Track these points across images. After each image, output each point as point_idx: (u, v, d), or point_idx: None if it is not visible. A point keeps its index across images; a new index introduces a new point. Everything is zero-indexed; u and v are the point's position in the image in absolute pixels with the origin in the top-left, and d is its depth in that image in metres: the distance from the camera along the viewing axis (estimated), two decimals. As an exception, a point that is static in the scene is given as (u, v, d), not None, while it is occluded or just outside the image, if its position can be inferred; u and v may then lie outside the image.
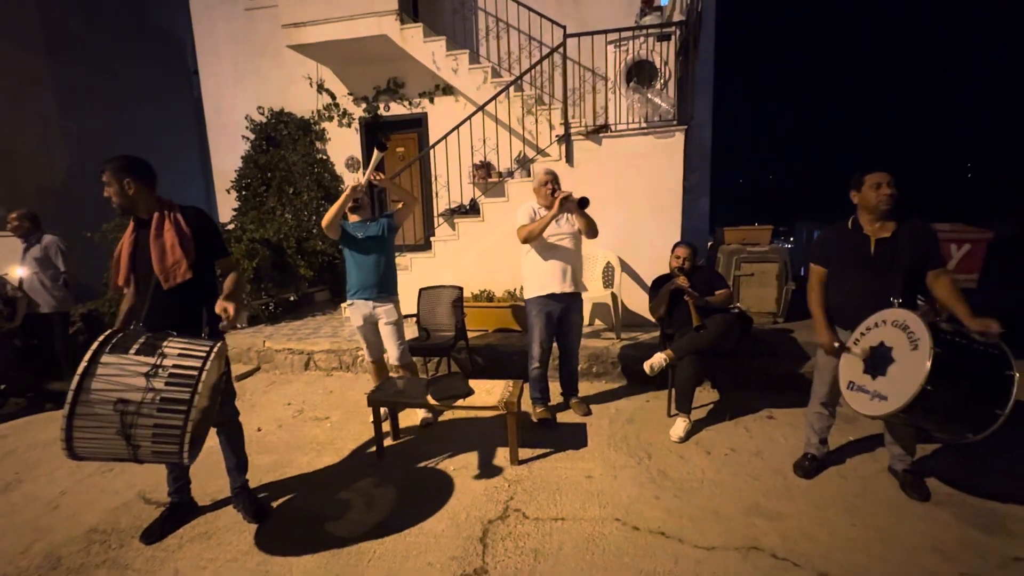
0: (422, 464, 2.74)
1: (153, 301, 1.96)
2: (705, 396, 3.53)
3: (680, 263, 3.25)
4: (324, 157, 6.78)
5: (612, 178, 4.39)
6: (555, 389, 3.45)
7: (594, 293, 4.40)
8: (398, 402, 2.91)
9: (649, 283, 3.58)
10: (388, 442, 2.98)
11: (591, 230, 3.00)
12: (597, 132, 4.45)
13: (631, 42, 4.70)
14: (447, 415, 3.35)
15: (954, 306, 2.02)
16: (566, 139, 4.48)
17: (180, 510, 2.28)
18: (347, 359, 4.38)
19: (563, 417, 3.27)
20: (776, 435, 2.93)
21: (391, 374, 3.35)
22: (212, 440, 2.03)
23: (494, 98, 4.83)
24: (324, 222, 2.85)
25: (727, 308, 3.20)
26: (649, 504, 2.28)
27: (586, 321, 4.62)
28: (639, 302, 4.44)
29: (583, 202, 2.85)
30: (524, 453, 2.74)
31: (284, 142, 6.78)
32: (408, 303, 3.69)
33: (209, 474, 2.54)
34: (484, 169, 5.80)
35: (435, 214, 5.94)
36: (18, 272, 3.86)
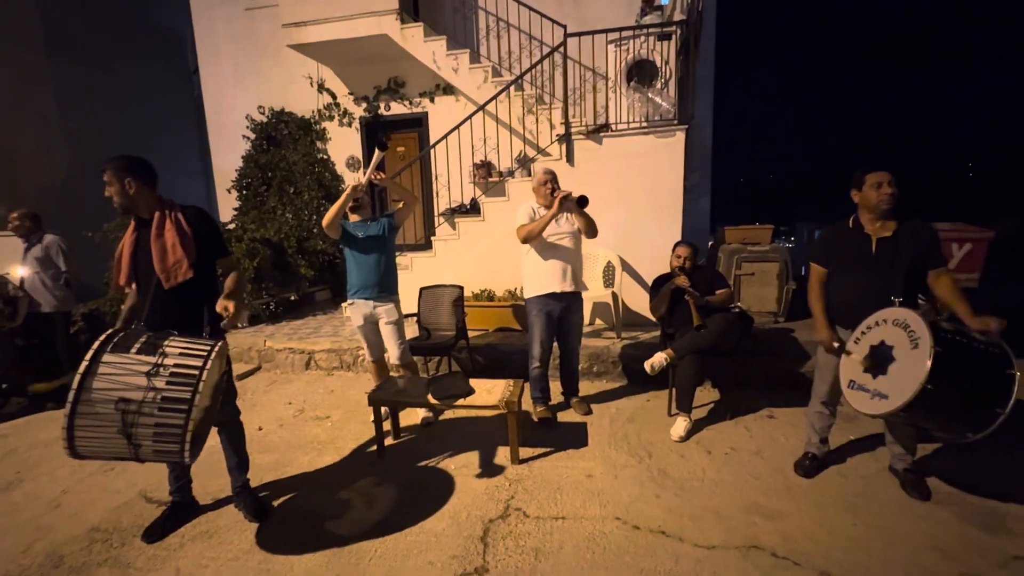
0: (423, 463, 2.75)
1: (154, 300, 1.97)
2: (706, 395, 3.53)
3: (681, 262, 3.25)
4: (325, 157, 6.78)
5: (613, 177, 4.39)
6: (556, 388, 3.45)
7: (595, 292, 4.40)
8: (399, 401, 2.91)
9: (650, 282, 3.58)
10: (389, 441, 2.98)
11: (591, 229, 3.00)
12: (598, 131, 4.45)
13: (632, 41, 4.70)
14: (448, 414, 3.36)
15: (955, 305, 2.02)
16: (567, 138, 4.48)
17: (181, 509, 2.28)
18: (348, 358, 4.39)
19: (564, 416, 3.27)
20: (776, 434, 2.93)
21: (392, 373, 3.35)
22: (213, 439, 2.03)
23: (494, 97, 4.83)
24: (325, 221, 2.85)
25: (728, 307, 3.20)
26: (650, 503, 2.28)
27: (587, 320, 4.62)
28: (640, 301, 4.44)
29: (582, 201, 2.84)
30: (525, 452, 2.74)
31: (285, 142, 6.78)
32: (409, 302, 3.69)
33: (210, 473, 2.54)
34: (485, 168, 5.80)
35: (436, 213, 5.94)
36: (19, 272, 3.86)
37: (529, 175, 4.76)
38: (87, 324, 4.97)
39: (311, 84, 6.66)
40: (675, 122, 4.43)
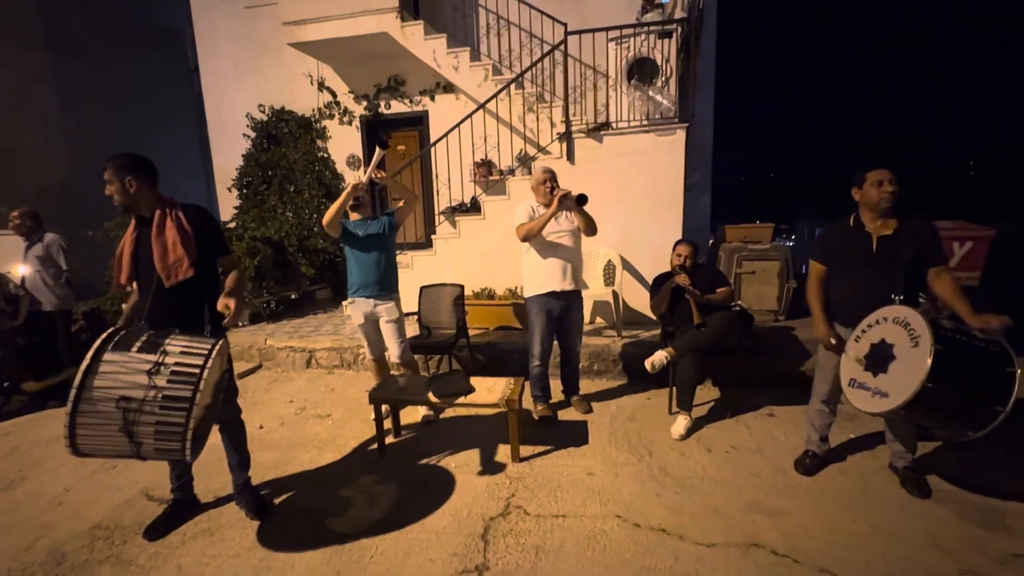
0: (423, 461, 2.75)
1: (155, 299, 1.97)
2: (706, 394, 3.54)
3: (681, 261, 3.25)
4: (325, 155, 6.78)
5: (613, 176, 4.39)
6: (556, 387, 3.45)
7: (595, 291, 4.40)
8: (399, 400, 2.92)
9: (650, 281, 3.58)
10: (390, 440, 2.99)
11: (590, 227, 3.00)
12: (598, 130, 4.44)
13: (632, 39, 4.69)
14: (448, 413, 3.36)
15: (955, 304, 2.02)
16: (567, 137, 4.47)
17: (183, 507, 2.29)
18: (348, 357, 4.39)
19: (564, 415, 3.28)
20: (777, 432, 2.93)
21: (392, 372, 3.36)
22: (214, 437, 2.04)
23: (495, 96, 4.83)
24: (325, 220, 2.85)
25: (728, 306, 3.20)
26: (650, 501, 2.28)
27: (587, 319, 4.62)
28: (640, 300, 4.44)
29: (581, 199, 2.84)
30: (525, 450, 2.75)
31: (285, 140, 6.78)
32: (409, 301, 3.69)
33: (211, 471, 2.55)
34: (485, 167, 5.80)
35: (436, 212, 5.93)
36: (20, 270, 3.87)
37: (530, 173, 4.76)
38: (88, 322, 4.98)
39: (311, 82, 6.65)
40: (676, 120, 4.42)
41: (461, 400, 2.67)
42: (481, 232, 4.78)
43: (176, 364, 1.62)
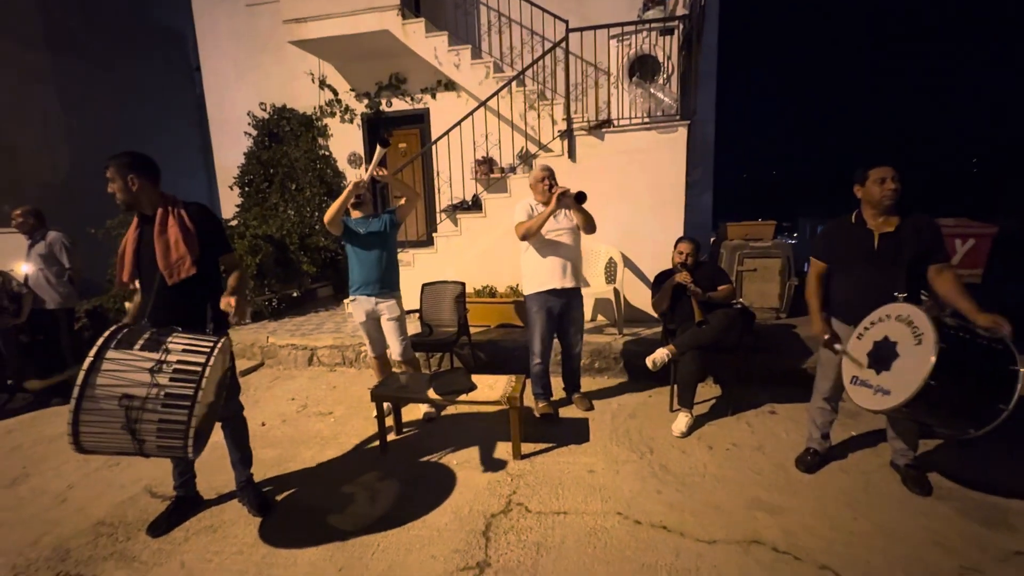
0: (425, 458, 2.76)
1: (157, 297, 1.97)
2: (707, 391, 3.54)
3: (683, 258, 3.25)
4: (326, 153, 6.78)
5: (615, 173, 4.38)
6: (557, 384, 3.46)
7: (596, 288, 4.40)
8: (401, 397, 2.92)
9: (651, 278, 3.58)
10: (391, 437, 2.99)
11: (589, 225, 3.00)
12: (600, 127, 4.44)
13: (634, 36, 4.67)
14: (450, 410, 3.37)
15: (958, 301, 2.01)
16: (568, 134, 4.47)
17: (186, 504, 2.30)
18: (350, 355, 4.40)
19: (565, 412, 3.28)
20: (778, 430, 2.94)
21: (394, 369, 3.36)
22: (217, 435, 2.05)
23: (496, 93, 4.82)
24: (326, 218, 2.86)
25: (730, 303, 3.19)
26: (651, 498, 2.29)
27: (588, 317, 4.62)
28: (641, 297, 4.44)
29: (580, 197, 2.83)
30: (526, 448, 2.75)
31: (286, 138, 6.78)
32: (411, 299, 3.70)
33: (214, 468, 2.56)
34: (486, 165, 5.79)
35: (437, 210, 5.93)
36: (23, 268, 3.88)
37: (531, 171, 4.75)
38: (91, 320, 5.00)
39: (313, 80, 6.65)
40: (677, 118, 4.42)
41: (462, 398, 2.67)
42: (482, 230, 4.78)
43: (178, 362, 1.63)
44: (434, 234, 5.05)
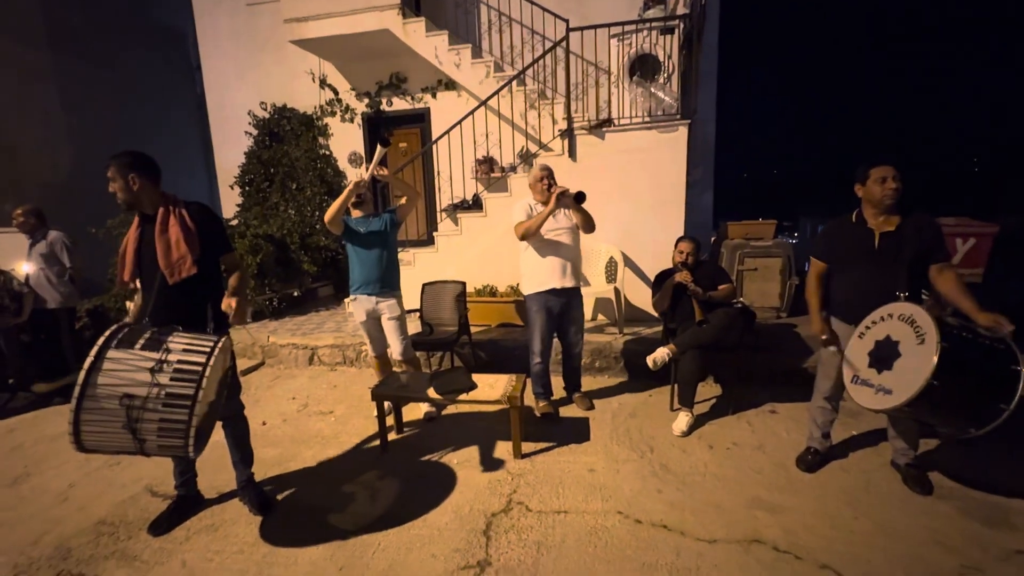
0: (425, 458, 2.76)
1: (158, 296, 1.98)
2: (708, 391, 3.54)
3: (683, 258, 3.25)
4: (327, 152, 6.78)
5: (615, 173, 4.38)
6: (558, 384, 3.46)
7: (597, 288, 4.40)
8: (402, 396, 2.93)
9: (652, 278, 3.58)
10: (392, 436, 3.00)
11: (588, 225, 3.00)
12: (600, 126, 4.43)
13: (634, 36, 4.67)
14: (450, 409, 3.37)
15: (960, 300, 2.01)
16: (569, 134, 4.46)
17: (187, 503, 2.30)
18: (351, 354, 4.40)
19: (566, 411, 3.28)
20: (779, 429, 2.93)
21: (394, 369, 3.36)
22: (218, 434, 2.05)
23: (497, 93, 4.82)
24: (327, 217, 2.86)
25: (730, 303, 3.19)
26: (651, 497, 2.29)
27: (589, 316, 4.63)
28: (642, 297, 4.44)
29: (580, 197, 2.83)
30: (527, 447, 2.76)
31: (287, 137, 6.78)
32: (411, 298, 3.70)
33: (215, 467, 2.56)
34: (487, 164, 5.79)
35: (438, 209, 5.93)
36: (24, 268, 3.88)
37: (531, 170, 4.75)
38: (91, 320, 5.00)
39: (313, 80, 6.65)
40: (678, 117, 4.41)
41: (463, 397, 2.67)
42: (483, 229, 4.78)
43: (179, 362, 1.63)
44: (435, 233, 5.05)
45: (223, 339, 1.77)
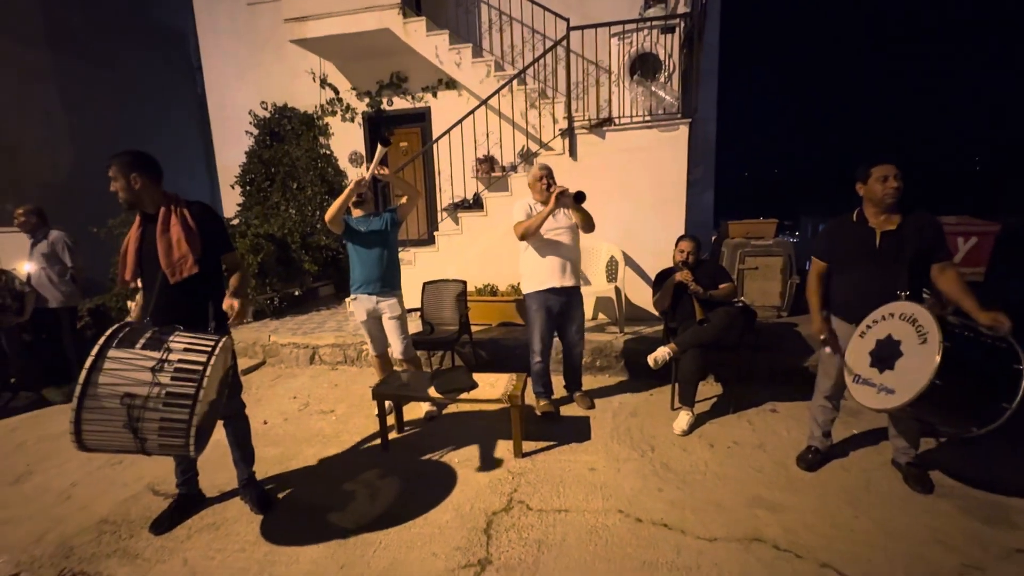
0: (426, 457, 2.77)
1: (160, 296, 1.98)
2: (708, 390, 3.53)
3: (684, 257, 3.25)
4: (328, 152, 6.78)
5: (616, 172, 4.38)
6: (559, 383, 3.46)
7: (597, 287, 4.40)
8: (403, 395, 2.93)
9: (653, 277, 3.58)
10: (393, 435, 3.00)
11: (588, 224, 3.00)
12: (601, 126, 4.43)
13: (635, 35, 4.67)
14: (451, 409, 3.37)
15: (961, 299, 2.01)
16: (569, 133, 4.46)
17: (188, 501, 2.31)
18: (352, 353, 4.41)
19: (567, 410, 3.28)
20: (779, 428, 2.93)
21: (395, 368, 3.37)
22: (219, 433, 2.06)
23: (497, 92, 4.82)
24: (328, 217, 2.86)
25: (731, 302, 3.19)
26: (652, 496, 2.29)
27: (589, 315, 4.63)
28: (643, 296, 4.44)
29: (579, 196, 2.83)
30: (528, 446, 2.76)
31: (287, 137, 6.78)
32: (412, 297, 3.70)
33: (216, 466, 2.57)
34: (487, 163, 5.79)
35: (438, 208, 5.93)
36: (26, 267, 3.89)
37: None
38: (93, 319, 5.01)
39: (314, 79, 6.65)
40: (678, 116, 4.41)
41: (464, 396, 2.68)
42: (483, 228, 4.78)
43: (180, 361, 1.63)
44: (435, 233, 5.05)
45: (224, 338, 1.77)
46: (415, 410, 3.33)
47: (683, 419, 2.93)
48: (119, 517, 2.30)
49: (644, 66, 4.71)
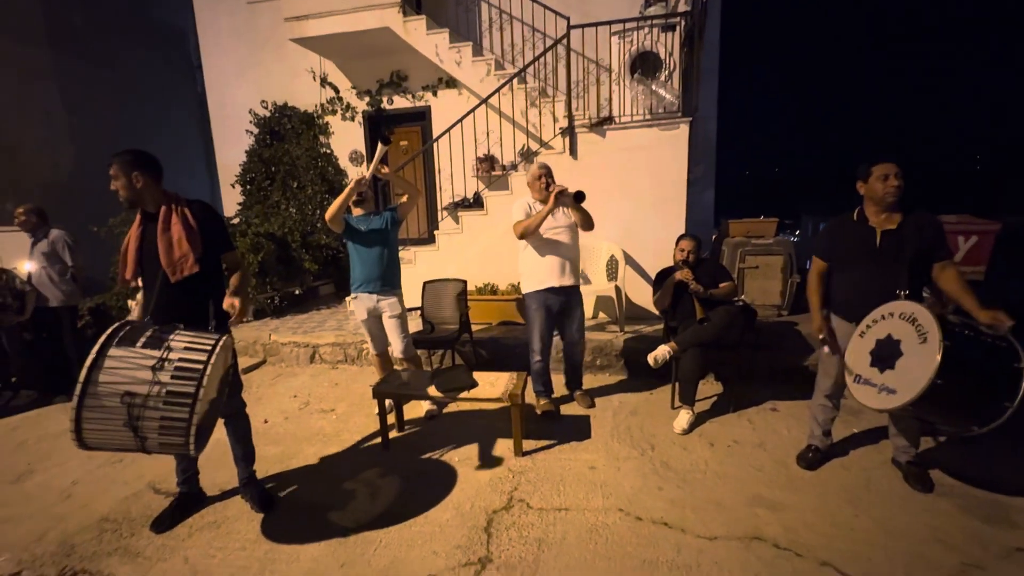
0: (427, 455, 2.77)
1: (160, 294, 1.98)
2: (709, 389, 3.54)
3: (684, 256, 3.24)
4: (328, 151, 6.78)
5: (616, 170, 4.38)
6: (559, 381, 3.46)
7: (598, 286, 4.40)
8: (403, 394, 2.93)
9: (653, 276, 3.58)
10: (393, 434, 3.00)
11: (587, 223, 2.99)
12: (601, 124, 4.43)
13: (635, 33, 4.66)
14: (451, 407, 3.38)
15: (961, 299, 2.01)
16: (570, 131, 4.46)
17: (189, 500, 2.31)
18: (352, 352, 4.41)
19: (567, 409, 3.29)
20: (779, 427, 2.94)
21: (396, 367, 3.37)
22: (220, 431, 2.06)
23: (497, 91, 4.81)
24: (328, 216, 2.86)
25: (731, 301, 3.19)
26: (652, 495, 2.29)
27: (590, 314, 4.63)
28: (643, 295, 4.44)
29: (579, 196, 2.82)
30: (528, 445, 2.76)
31: (288, 136, 6.78)
32: (412, 296, 3.70)
33: (217, 465, 2.57)
34: (488, 162, 5.79)
35: (439, 207, 5.93)
36: (26, 267, 3.89)
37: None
38: (93, 318, 5.01)
39: (314, 78, 6.65)
40: (679, 115, 4.40)
41: (464, 395, 2.68)
42: (483, 227, 4.78)
43: (180, 360, 1.63)
44: (435, 232, 5.05)
45: (224, 337, 1.77)
46: (415, 409, 3.33)
47: (683, 418, 2.93)
48: (120, 515, 2.30)
49: (644, 65, 4.71)
